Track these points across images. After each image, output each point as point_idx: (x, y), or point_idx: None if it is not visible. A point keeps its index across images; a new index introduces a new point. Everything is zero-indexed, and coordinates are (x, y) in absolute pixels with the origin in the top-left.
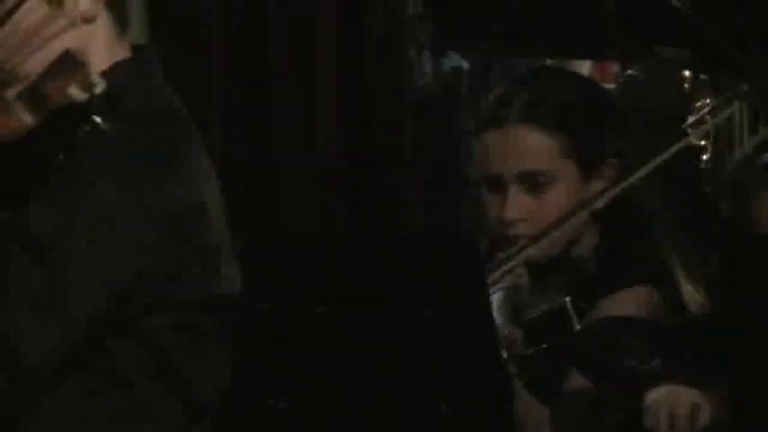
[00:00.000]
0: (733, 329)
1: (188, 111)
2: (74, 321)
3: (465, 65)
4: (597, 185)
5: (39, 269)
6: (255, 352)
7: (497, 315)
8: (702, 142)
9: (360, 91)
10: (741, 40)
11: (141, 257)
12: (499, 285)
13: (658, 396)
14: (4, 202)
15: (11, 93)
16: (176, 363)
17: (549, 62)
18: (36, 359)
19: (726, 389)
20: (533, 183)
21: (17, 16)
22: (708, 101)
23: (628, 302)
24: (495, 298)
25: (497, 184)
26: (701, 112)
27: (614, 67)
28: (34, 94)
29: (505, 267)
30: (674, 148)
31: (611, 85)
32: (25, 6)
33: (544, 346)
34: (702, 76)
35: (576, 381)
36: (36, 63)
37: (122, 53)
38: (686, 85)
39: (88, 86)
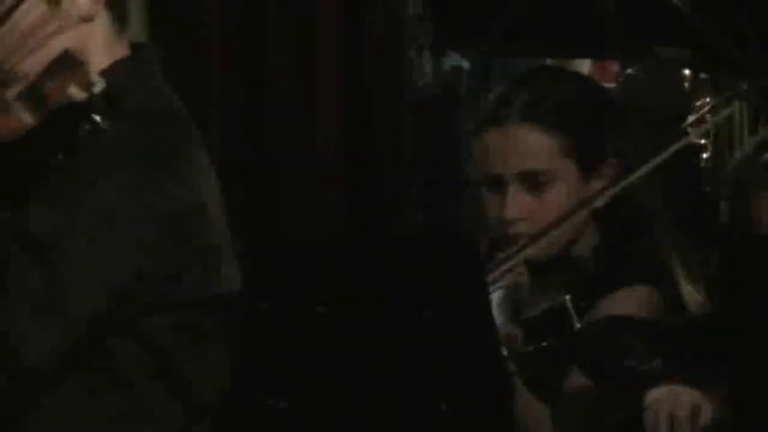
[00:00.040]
0: (733, 329)
1: (188, 111)
2: (74, 321)
3: (465, 65)
4: (597, 185)
5: (38, 269)
6: (255, 352)
7: (497, 314)
8: (702, 141)
9: (360, 91)
10: (741, 39)
11: (141, 257)
12: (499, 284)
13: (658, 396)
14: (4, 202)
15: (10, 93)
16: (176, 363)
17: (549, 62)
18: (36, 359)
19: (726, 389)
20: (533, 182)
21: (16, 16)
22: (708, 100)
23: (628, 302)
24: (496, 297)
25: (497, 184)
26: (701, 112)
27: (614, 67)
28: (34, 94)
29: (505, 266)
30: (674, 148)
31: (611, 85)
32: (24, 6)
33: (544, 344)
34: (702, 76)
35: (577, 380)
36: (35, 63)
37: (121, 52)
38: (686, 85)
39: (87, 86)
